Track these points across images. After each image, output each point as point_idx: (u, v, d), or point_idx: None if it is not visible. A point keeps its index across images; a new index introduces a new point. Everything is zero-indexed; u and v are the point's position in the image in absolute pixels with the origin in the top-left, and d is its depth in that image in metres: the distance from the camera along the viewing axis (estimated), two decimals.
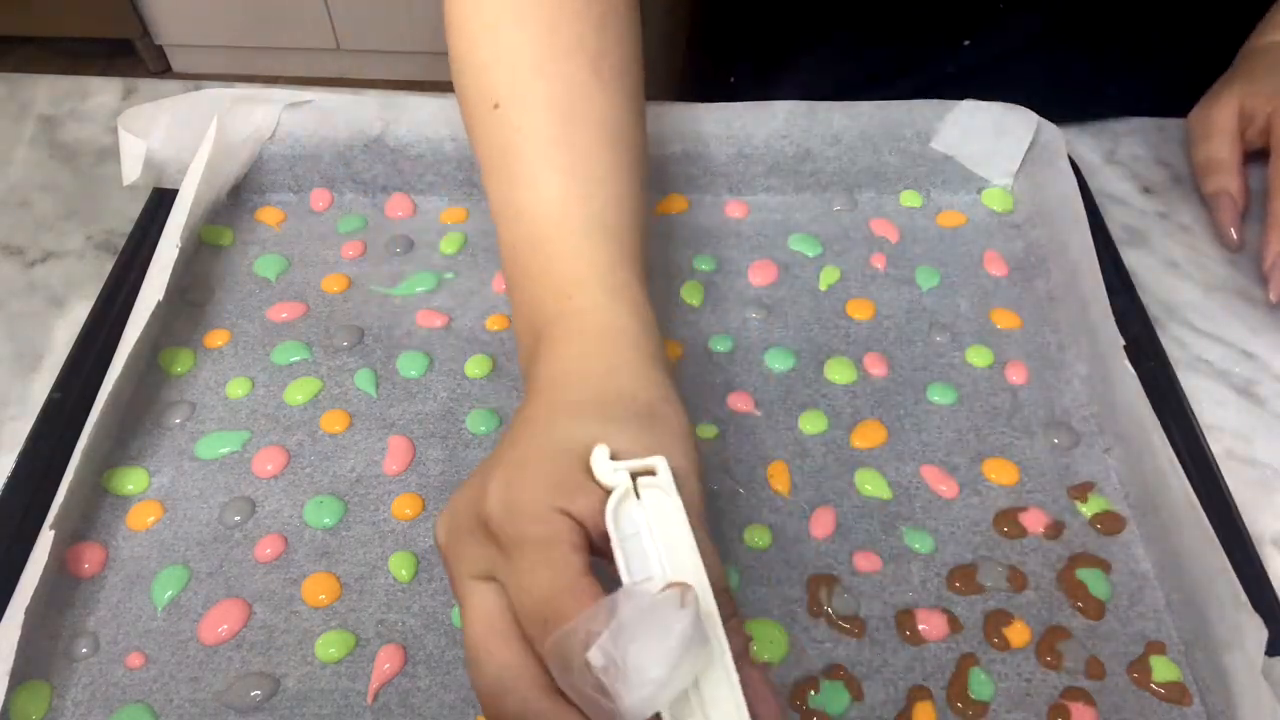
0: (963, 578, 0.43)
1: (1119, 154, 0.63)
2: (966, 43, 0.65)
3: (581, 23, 0.42)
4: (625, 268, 0.39)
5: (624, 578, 0.29)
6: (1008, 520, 0.45)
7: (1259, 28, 0.63)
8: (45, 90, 0.66)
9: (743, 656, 0.29)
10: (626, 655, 0.26)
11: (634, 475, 0.31)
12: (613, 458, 0.31)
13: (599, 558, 0.31)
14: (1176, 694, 0.40)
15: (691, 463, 0.33)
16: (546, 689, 0.29)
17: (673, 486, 0.31)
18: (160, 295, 0.48)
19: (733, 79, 0.73)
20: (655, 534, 0.31)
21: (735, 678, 0.28)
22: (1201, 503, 0.41)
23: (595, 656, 0.26)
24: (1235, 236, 0.56)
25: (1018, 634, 0.41)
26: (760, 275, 0.55)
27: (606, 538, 0.30)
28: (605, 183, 0.40)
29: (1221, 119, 0.58)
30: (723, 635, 0.29)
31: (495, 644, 0.29)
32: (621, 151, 0.42)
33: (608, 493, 0.31)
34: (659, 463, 0.31)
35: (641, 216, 0.41)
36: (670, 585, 0.28)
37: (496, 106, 0.41)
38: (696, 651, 0.27)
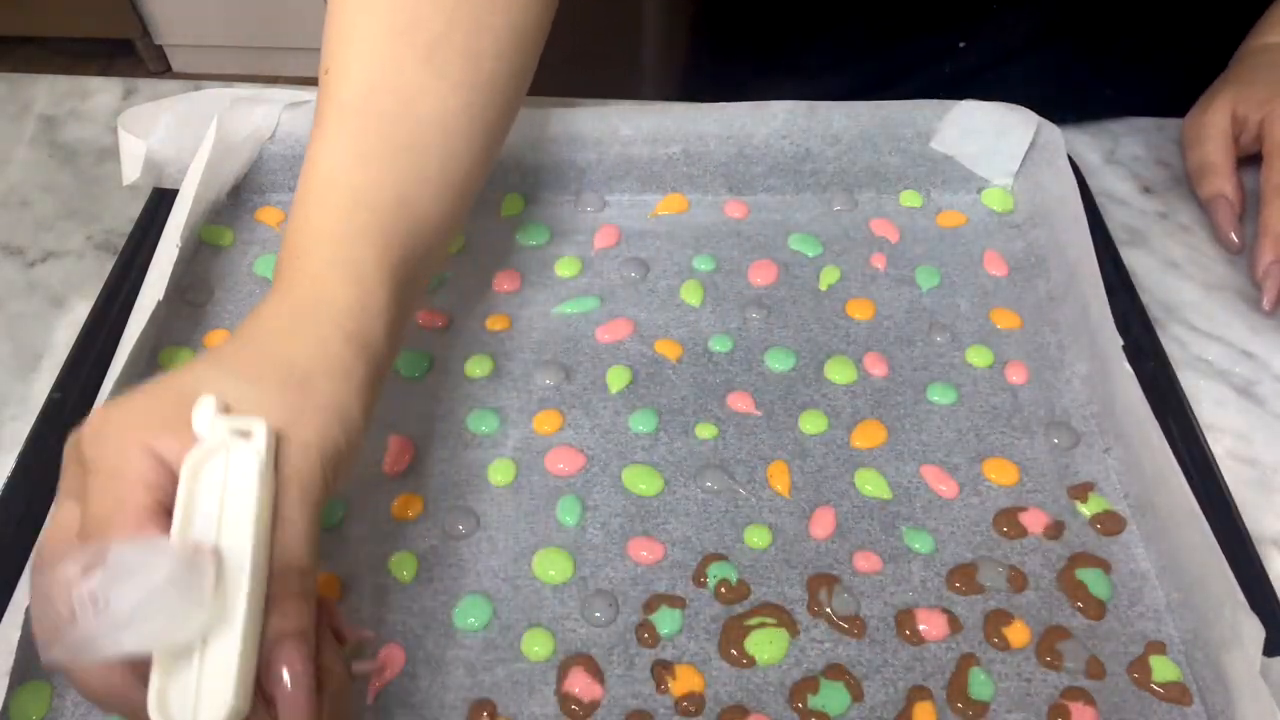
0: (963, 578, 0.43)
1: (1119, 154, 0.63)
2: (962, 45, 0.65)
3: (431, 7, 0.42)
4: (369, 246, 0.38)
5: (174, 529, 0.30)
6: (1008, 520, 0.45)
7: (1254, 30, 0.63)
8: (45, 90, 0.66)
9: (296, 636, 0.30)
10: (110, 593, 0.27)
11: (233, 434, 0.31)
12: (232, 414, 0.32)
13: None
14: (1176, 694, 0.40)
15: (321, 439, 0.33)
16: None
17: (260, 452, 0.31)
18: (160, 295, 0.48)
19: (731, 79, 0.73)
20: (228, 496, 0.31)
21: (238, 648, 0.29)
22: (1201, 503, 0.41)
23: (82, 592, 0.27)
24: (1235, 239, 0.56)
25: (1018, 634, 0.41)
26: (760, 275, 0.55)
27: None
28: (386, 162, 0.40)
29: (1215, 123, 0.58)
30: (242, 607, 0.29)
31: (55, 555, 0.30)
32: (426, 136, 0.41)
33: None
34: (256, 424, 0.32)
35: (426, 205, 0.41)
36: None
37: (326, 72, 0.42)
38: (180, 607, 0.28)
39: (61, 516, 0.31)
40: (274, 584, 0.31)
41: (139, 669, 0.29)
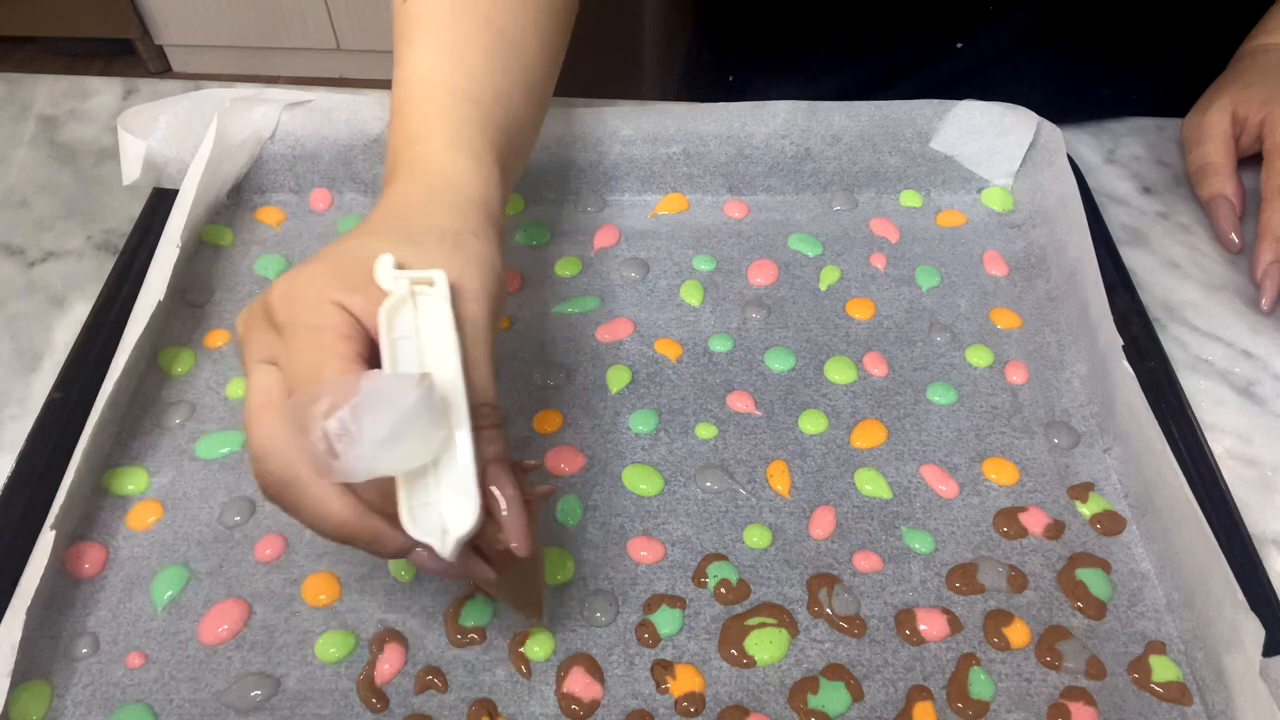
0: (963, 578, 0.43)
1: (1119, 154, 0.63)
2: (959, 45, 0.65)
3: None
4: (476, 130, 0.42)
5: (384, 369, 0.33)
6: (1008, 520, 0.45)
7: (1254, 30, 0.63)
8: (45, 90, 0.66)
9: (498, 461, 0.34)
10: (361, 424, 0.30)
11: (415, 286, 0.34)
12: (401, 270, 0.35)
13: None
14: (1176, 694, 0.40)
15: (484, 287, 0.37)
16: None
17: (447, 298, 0.34)
18: (160, 295, 0.48)
19: (731, 79, 0.73)
20: (424, 339, 0.34)
21: (470, 467, 0.32)
22: (1201, 503, 0.41)
23: (333, 424, 0.30)
24: (1235, 240, 0.56)
25: (1018, 634, 0.41)
26: (760, 275, 0.55)
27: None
28: (477, 66, 0.44)
29: (1215, 124, 0.58)
30: (466, 429, 0.33)
31: (267, 415, 0.33)
32: (506, 44, 0.45)
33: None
34: (438, 275, 0.35)
35: (516, 101, 0.45)
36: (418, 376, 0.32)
37: (404, 1, 0.45)
38: (426, 430, 0.31)
39: (260, 381, 0.34)
40: (473, 417, 0.33)
41: (370, 498, 0.33)
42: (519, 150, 0.47)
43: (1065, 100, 0.61)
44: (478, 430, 0.33)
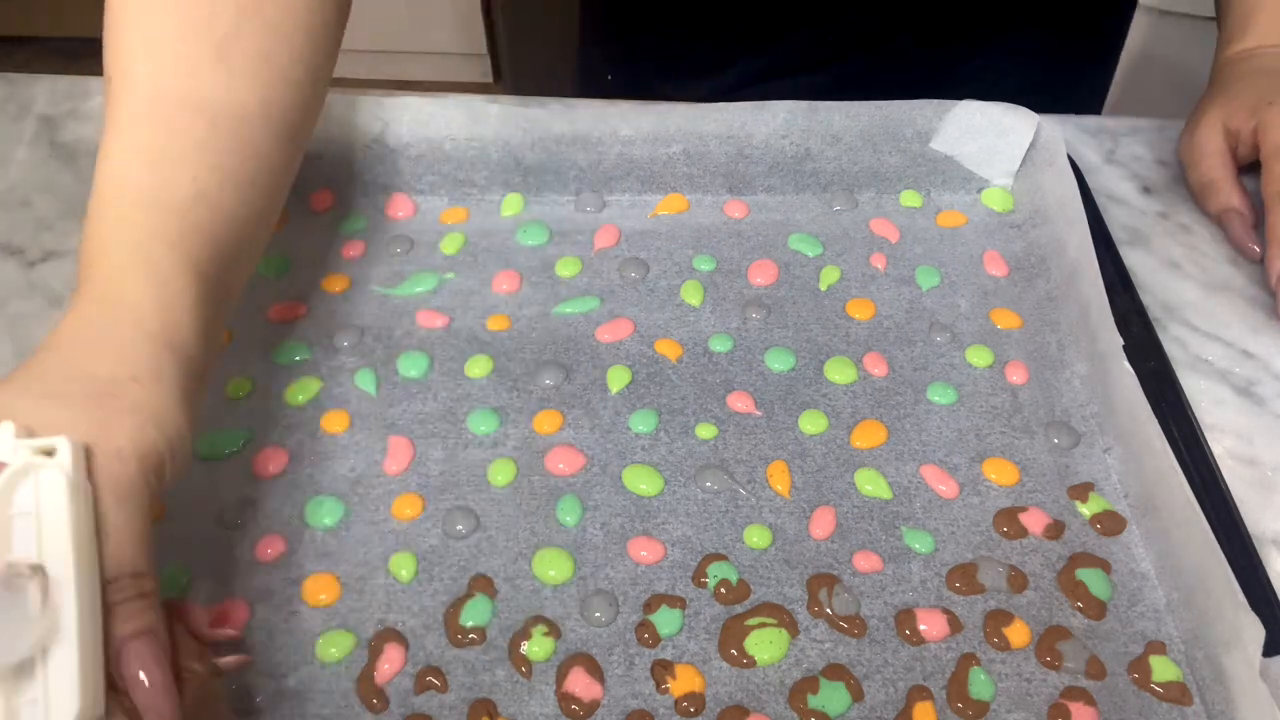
0: (963, 578, 0.43)
1: (1119, 154, 0.63)
2: (830, 36, 0.67)
3: (216, 6, 0.42)
4: (167, 246, 0.38)
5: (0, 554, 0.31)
6: (1008, 520, 0.45)
7: (1222, 39, 0.63)
8: (45, 90, 0.66)
9: (142, 637, 0.31)
10: None
11: (38, 455, 0.32)
12: (35, 436, 0.32)
13: None
14: (1177, 694, 0.40)
15: (134, 443, 0.33)
16: None
17: (66, 468, 0.32)
18: None
19: (610, 78, 0.74)
20: (43, 515, 0.32)
21: (76, 656, 0.30)
22: (1201, 503, 0.41)
23: None
24: (1255, 248, 0.56)
25: (1018, 634, 0.41)
26: (760, 275, 0.55)
27: None
28: (180, 162, 0.40)
29: (1208, 141, 0.58)
30: (74, 616, 0.30)
31: None
32: (222, 135, 0.41)
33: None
34: (59, 442, 0.32)
35: (228, 202, 0.41)
36: (24, 566, 0.30)
37: (110, 80, 0.42)
38: (18, 624, 0.30)
39: None
40: (109, 592, 0.31)
41: None
42: (237, 257, 0.42)
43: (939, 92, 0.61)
44: (110, 608, 0.31)
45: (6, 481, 0.32)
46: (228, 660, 0.37)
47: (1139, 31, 1.30)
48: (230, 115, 0.41)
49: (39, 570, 0.30)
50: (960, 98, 0.57)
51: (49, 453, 0.32)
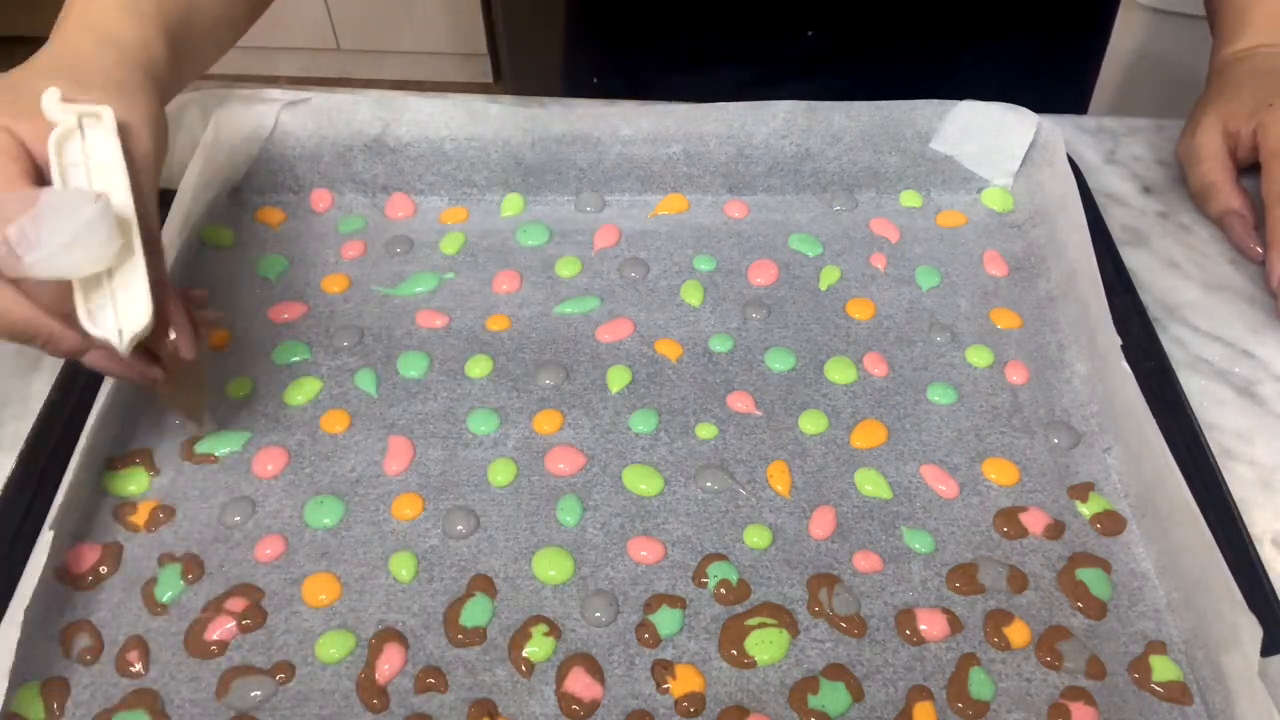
0: (963, 578, 0.43)
1: (1119, 154, 0.63)
2: (810, 33, 0.67)
3: None
4: (151, 5, 0.46)
5: (55, 187, 0.38)
6: (1008, 520, 0.45)
7: (1217, 40, 0.63)
8: None
9: (161, 281, 0.39)
10: (40, 230, 0.35)
11: (83, 118, 0.39)
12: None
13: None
14: (1177, 693, 0.40)
15: (149, 129, 0.41)
16: None
17: (114, 128, 0.39)
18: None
19: (596, 81, 0.74)
20: (93, 167, 0.39)
21: (144, 273, 0.38)
22: (1201, 502, 0.41)
23: (12, 230, 0.34)
24: (1258, 249, 0.56)
25: (1018, 634, 0.41)
26: (760, 275, 0.55)
27: (49, 164, 0.38)
28: None
29: (1207, 144, 0.58)
30: (138, 243, 0.38)
31: None
32: None
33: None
34: (104, 110, 0.39)
35: (201, 14, 0.50)
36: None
37: None
38: (102, 239, 0.36)
39: None
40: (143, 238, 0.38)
41: (46, 302, 0.37)
42: (194, 40, 0.50)
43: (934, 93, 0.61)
44: (149, 255, 0.38)
45: (61, 135, 0.38)
46: (211, 314, 0.47)
47: (1137, 31, 1.30)
48: None
49: (105, 198, 0.37)
50: (943, 98, 0.57)
51: (93, 117, 0.39)
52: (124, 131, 0.39)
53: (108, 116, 0.39)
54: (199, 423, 0.46)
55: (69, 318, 0.38)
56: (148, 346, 0.40)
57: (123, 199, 0.38)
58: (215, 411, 0.47)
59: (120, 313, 0.38)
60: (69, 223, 0.35)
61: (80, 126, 0.39)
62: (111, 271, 0.38)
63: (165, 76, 0.46)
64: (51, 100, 0.39)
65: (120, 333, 0.38)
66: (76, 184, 0.38)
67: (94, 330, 0.37)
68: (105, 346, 0.38)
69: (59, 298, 0.37)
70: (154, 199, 0.40)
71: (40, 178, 0.39)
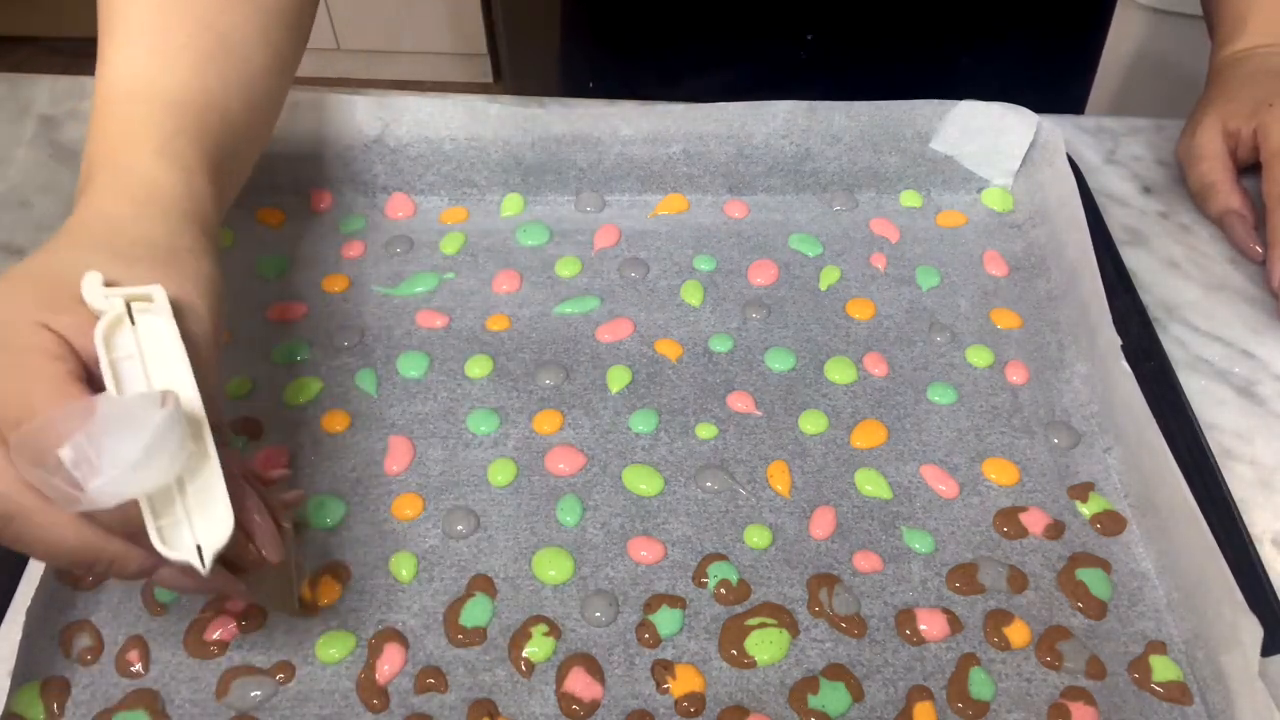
0: (963, 578, 0.43)
1: (1119, 154, 0.63)
2: (810, 36, 0.67)
3: None
4: (188, 140, 0.40)
5: (109, 390, 0.32)
6: (1008, 520, 0.45)
7: (1217, 40, 0.63)
8: (45, 90, 0.65)
9: (236, 476, 0.34)
10: (101, 448, 0.29)
11: (131, 304, 0.33)
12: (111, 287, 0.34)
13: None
14: (1177, 693, 0.40)
15: (206, 302, 0.36)
16: (26, 486, 0.30)
17: (168, 311, 0.34)
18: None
19: (591, 85, 0.74)
20: (148, 356, 0.33)
21: (221, 481, 0.32)
22: (1201, 502, 0.41)
23: (67, 452, 0.28)
24: (1258, 249, 0.56)
25: (1018, 634, 0.41)
26: (760, 275, 0.55)
27: (98, 361, 0.32)
28: (190, 71, 0.42)
29: (1207, 143, 0.58)
30: (211, 444, 0.32)
31: (34, 424, 0.30)
32: (225, 50, 0.43)
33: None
34: (155, 290, 0.34)
35: (234, 110, 0.43)
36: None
37: (103, 3, 0.44)
38: (176, 449, 0.30)
39: None
40: (214, 432, 0.33)
41: (109, 521, 0.31)
42: (237, 164, 0.44)
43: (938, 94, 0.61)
44: (219, 446, 0.33)
45: (109, 326, 0.33)
46: (290, 495, 0.39)
47: (1135, 31, 1.29)
48: (233, 37, 0.44)
49: (173, 398, 0.31)
50: (941, 98, 0.57)
51: (144, 300, 0.34)
52: (179, 310, 0.34)
53: (160, 298, 0.34)
54: (290, 611, 0.40)
55: (136, 535, 0.32)
56: (226, 557, 0.34)
57: (189, 394, 0.33)
58: (304, 584, 0.42)
59: (197, 528, 0.32)
60: (134, 435, 0.29)
61: (129, 311, 0.33)
62: (183, 480, 0.32)
63: (214, 220, 0.40)
64: (93, 286, 0.33)
65: (200, 550, 0.32)
66: (132, 380, 0.32)
67: (170, 554, 0.31)
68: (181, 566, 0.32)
69: (125, 516, 0.31)
70: (218, 383, 0.35)
71: (89, 378, 0.33)
